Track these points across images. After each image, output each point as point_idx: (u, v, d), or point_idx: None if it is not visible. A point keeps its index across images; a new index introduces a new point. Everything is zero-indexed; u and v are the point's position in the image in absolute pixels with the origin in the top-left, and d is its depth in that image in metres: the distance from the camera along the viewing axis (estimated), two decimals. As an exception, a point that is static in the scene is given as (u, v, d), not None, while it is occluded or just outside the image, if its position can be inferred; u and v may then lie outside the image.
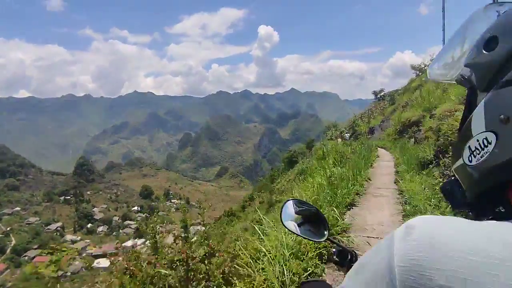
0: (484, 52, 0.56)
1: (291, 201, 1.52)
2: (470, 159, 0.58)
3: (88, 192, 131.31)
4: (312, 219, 1.45)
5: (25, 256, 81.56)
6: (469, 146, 0.57)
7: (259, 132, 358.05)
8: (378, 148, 15.77)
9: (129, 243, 77.32)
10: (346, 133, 38.10)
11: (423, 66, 24.95)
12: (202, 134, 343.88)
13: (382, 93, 34.16)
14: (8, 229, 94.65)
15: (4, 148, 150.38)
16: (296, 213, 1.48)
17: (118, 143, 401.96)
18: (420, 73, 24.70)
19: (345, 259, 1.29)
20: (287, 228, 1.43)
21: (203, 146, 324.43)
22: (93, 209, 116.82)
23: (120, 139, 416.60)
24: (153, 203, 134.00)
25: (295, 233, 1.43)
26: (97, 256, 79.82)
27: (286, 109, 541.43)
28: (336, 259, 1.32)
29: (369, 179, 8.71)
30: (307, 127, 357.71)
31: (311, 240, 1.49)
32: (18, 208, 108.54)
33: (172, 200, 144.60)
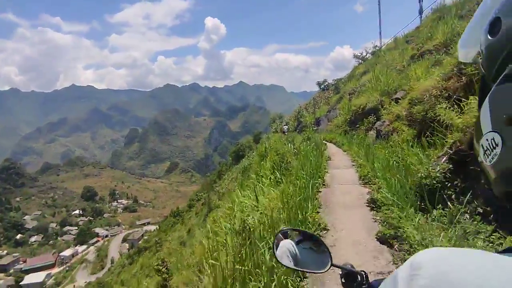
0: (489, 37, 0.49)
1: (285, 231, 1.41)
2: (485, 158, 0.51)
3: (17, 199, 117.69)
4: (310, 247, 1.33)
5: None
6: (482, 144, 0.51)
7: (209, 126, 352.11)
8: (327, 143, 13.65)
9: (68, 252, 71.00)
10: (285, 125, 36.98)
11: (364, 54, 24.99)
12: (149, 129, 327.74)
13: (325, 83, 33.75)
14: None
15: None
16: (292, 244, 1.33)
17: (55, 142, 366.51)
18: (362, 62, 24.61)
19: (354, 281, 1.20)
20: (283, 265, 1.29)
21: (151, 142, 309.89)
22: (24, 218, 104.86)
23: (58, 137, 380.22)
24: (97, 205, 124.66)
25: (293, 269, 1.28)
26: (28, 271, 71.47)
27: (235, 102, 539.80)
28: (344, 281, 1.23)
29: (324, 226, 4.57)
30: (256, 120, 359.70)
31: (313, 273, 1.33)
32: None
33: (119, 200, 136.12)
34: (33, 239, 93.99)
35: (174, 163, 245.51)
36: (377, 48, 23.65)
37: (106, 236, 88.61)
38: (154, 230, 57.54)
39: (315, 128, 21.75)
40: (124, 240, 72.38)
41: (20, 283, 67.39)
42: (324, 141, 14.07)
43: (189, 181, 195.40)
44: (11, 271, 73.93)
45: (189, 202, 38.39)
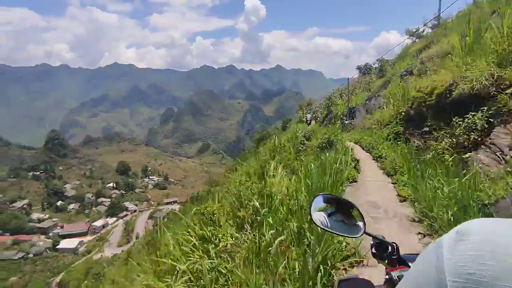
0: None
1: (321, 195, 1.47)
2: None
3: (60, 168, 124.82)
4: (344, 209, 1.37)
5: (-15, 235, 76.40)
6: None
7: (243, 109, 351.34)
8: (358, 158, 8.57)
9: (99, 222, 73.71)
10: (308, 113, 33.97)
11: (422, 30, 20.41)
12: (185, 109, 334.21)
13: (368, 66, 29.31)
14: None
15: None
16: (325, 202, 1.41)
17: (97, 117, 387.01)
18: (417, 39, 20.36)
19: (384, 251, 1.21)
20: (315, 223, 1.35)
21: (186, 122, 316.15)
22: (65, 186, 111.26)
23: (100, 112, 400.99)
24: (130, 179, 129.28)
25: (325, 229, 1.34)
26: (64, 236, 75.72)
27: (271, 86, 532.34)
28: (375, 252, 1.25)
29: None
30: (291, 105, 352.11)
31: (344, 236, 1.38)
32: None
33: (151, 177, 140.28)
34: (71, 206, 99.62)
35: (206, 144, 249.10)
36: (441, 20, 18.84)
37: (135, 211, 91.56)
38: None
39: (346, 122, 17.89)
40: (150, 217, 73.86)
41: (57, 247, 71.70)
42: (355, 144, 11.11)
43: (220, 163, 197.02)
44: (50, 234, 78.81)
45: (209, 187, 36.77)
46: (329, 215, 1.33)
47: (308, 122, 30.31)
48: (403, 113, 9.00)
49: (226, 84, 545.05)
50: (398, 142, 8.54)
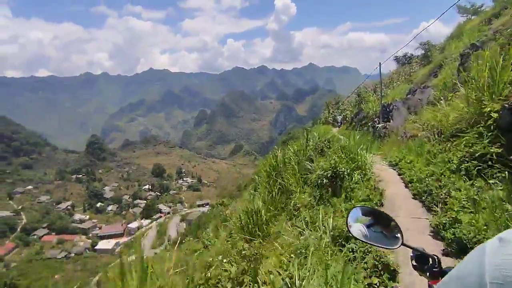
0: None
1: (359, 207, 1.49)
2: None
3: (100, 171, 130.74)
4: (382, 220, 1.37)
5: (34, 235, 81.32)
6: None
7: (275, 109, 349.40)
8: (407, 220, 4.65)
9: (135, 224, 75.19)
10: (339, 115, 29.64)
11: (479, 5, 16.60)
12: (217, 111, 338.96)
13: (407, 56, 25.25)
14: (20, 207, 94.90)
15: (19, 127, 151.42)
16: (364, 214, 1.42)
17: (135, 121, 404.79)
18: (472, 16, 16.75)
19: (425, 263, 1.21)
20: (353, 235, 1.37)
21: (219, 123, 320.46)
22: (104, 188, 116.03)
23: (137, 116, 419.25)
24: (164, 181, 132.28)
25: (363, 240, 1.35)
26: (102, 237, 78.30)
27: (303, 85, 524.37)
28: (415, 263, 1.24)
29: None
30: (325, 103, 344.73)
31: (382, 247, 1.39)
32: (30, 187, 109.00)
33: (184, 178, 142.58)
34: (109, 208, 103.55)
35: (238, 145, 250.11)
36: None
37: (168, 213, 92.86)
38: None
39: (378, 126, 13.46)
40: (183, 219, 74.18)
41: (95, 247, 74.33)
42: (391, 168, 7.43)
43: (252, 164, 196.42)
44: (90, 235, 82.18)
45: (238, 188, 35.37)
46: (368, 226, 1.34)
47: (339, 124, 26.77)
48: (492, 115, 4.60)
49: (257, 84, 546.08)
50: (492, 182, 3.99)
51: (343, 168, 6.04)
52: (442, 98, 9.08)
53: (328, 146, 8.63)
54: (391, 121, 13.38)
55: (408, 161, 6.99)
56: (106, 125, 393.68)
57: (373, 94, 22.59)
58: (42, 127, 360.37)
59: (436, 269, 1.15)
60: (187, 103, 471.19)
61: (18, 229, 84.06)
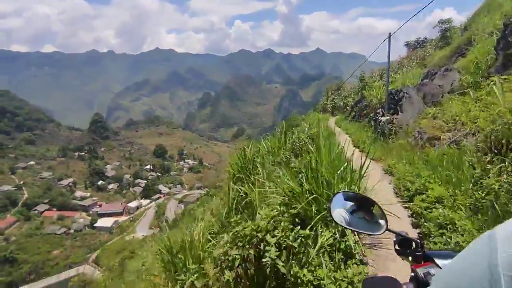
0: None
1: (341, 192, 1.46)
2: None
3: (102, 149, 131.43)
4: (364, 206, 1.35)
5: (35, 210, 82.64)
6: None
7: (279, 94, 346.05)
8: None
9: (134, 204, 76.02)
10: (340, 102, 26.82)
11: None
12: (221, 93, 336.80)
13: (420, 40, 23.29)
14: (22, 182, 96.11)
15: (22, 102, 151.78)
16: (346, 199, 1.39)
17: (140, 100, 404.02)
18: None
19: (408, 248, 1.21)
20: (336, 221, 1.34)
21: (222, 106, 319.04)
22: (106, 166, 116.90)
23: (142, 96, 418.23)
24: (166, 162, 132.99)
25: (346, 227, 1.33)
26: (102, 215, 79.46)
27: (310, 70, 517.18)
28: (398, 248, 1.24)
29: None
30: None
31: (366, 233, 1.37)
32: (32, 162, 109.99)
33: (186, 160, 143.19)
34: (110, 186, 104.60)
35: (241, 129, 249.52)
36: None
37: (167, 194, 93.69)
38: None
39: (381, 120, 10.80)
40: (181, 201, 74.84)
41: (94, 225, 75.62)
42: (394, 195, 5.22)
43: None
44: (90, 212, 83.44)
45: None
46: (351, 212, 1.32)
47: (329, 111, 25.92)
48: None
49: (263, 68, 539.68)
50: None
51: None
52: (472, 84, 6.93)
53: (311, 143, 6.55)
54: (400, 113, 10.40)
55: (434, 198, 4.01)
56: (111, 103, 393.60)
57: (378, 80, 19.65)
58: (48, 103, 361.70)
59: (419, 253, 1.16)
60: (192, 84, 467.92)
61: (20, 204, 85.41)
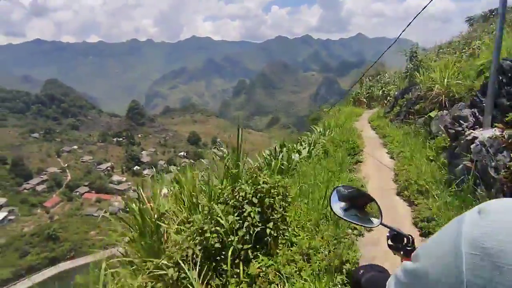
0: None
1: (340, 187, 1.49)
2: None
3: (139, 135, 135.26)
4: (360, 204, 1.41)
5: (76, 191, 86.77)
6: None
7: (317, 81, 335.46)
8: None
9: (164, 190, 77.96)
10: (378, 91, 21.29)
11: None
12: (256, 81, 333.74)
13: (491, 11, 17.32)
14: (66, 165, 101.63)
15: (68, 89, 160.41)
16: (340, 199, 1.44)
17: (176, 88, 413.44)
18: None
19: (400, 243, 1.25)
20: (335, 213, 1.41)
21: (258, 94, 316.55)
22: (142, 152, 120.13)
23: (179, 84, 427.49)
24: (199, 149, 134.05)
25: (344, 219, 1.40)
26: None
27: (349, 57, 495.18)
28: (391, 243, 1.28)
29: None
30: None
31: (361, 225, 1.43)
32: (75, 147, 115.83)
33: (219, 148, 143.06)
34: (145, 171, 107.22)
35: (276, 117, 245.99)
36: None
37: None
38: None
39: (469, 132, 4.95)
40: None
41: (127, 209, 77.53)
42: None
43: (288, 138, 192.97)
44: (125, 196, 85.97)
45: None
46: (349, 205, 1.39)
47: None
48: None
49: (300, 55, 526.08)
50: None
51: None
52: None
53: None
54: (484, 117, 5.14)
55: None
56: (150, 91, 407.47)
57: (434, 60, 13.24)
58: (93, 91, 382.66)
59: (409, 248, 1.20)
60: (227, 72, 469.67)
61: (64, 185, 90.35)
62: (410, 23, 7.33)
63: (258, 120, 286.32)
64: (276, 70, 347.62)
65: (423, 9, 6.53)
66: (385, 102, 18.15)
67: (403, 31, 7.80)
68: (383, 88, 20.69)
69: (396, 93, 15.24)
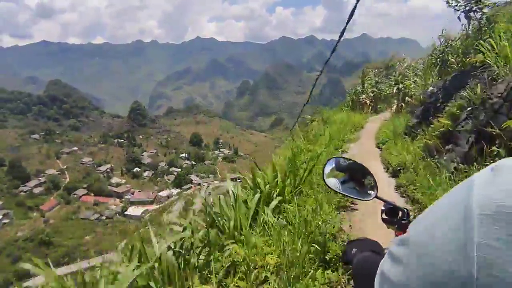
0: None
1: (334, 159, 1.44)
2: None
3: (140, 136, 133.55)
4: (357, 176, 1.37)
5: (74, 194, 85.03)
6: None
7: (321, 82, 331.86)
8: None
9: (165, 193, 74.29)
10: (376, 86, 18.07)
11: None
12: (260, 82, 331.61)
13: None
14: (65, 167, 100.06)
15: (71, 90, 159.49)
16: (338, 169, 1.39)
17: (181, 89, 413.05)
18: None
19: (395, 216, 1.22)
20: (328, 186, 1.36)
21: (261, 95, 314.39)
22: (142, 154, 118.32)
23: (183, 84, 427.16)
24: (201, 151, 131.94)
25: (337, 191, 1.36)
26: (133, 203, 79.39)
27: (354, 57, 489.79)
28: (385, 217, 1.25)
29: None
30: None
31: (356, 198, 1.41)
32: (75, 148, 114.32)
33: (221, 149, 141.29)
34: (146, 173, 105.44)
35: (279, 118, 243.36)
36: None
37: (199, 184, 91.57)
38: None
39: None
40: (210, 193, 72.05)
41: (125, 212, 75.74)
42: None
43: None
44: (123, 199, 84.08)
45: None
46: (343, 178, 1.34)
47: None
48: None
49: (304, 55, 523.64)
50: None
51: None
52: None
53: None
54: None
55: None
56: (154, 92, 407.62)
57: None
58: (97, 92, 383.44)
59: (404, 221, 1.18)
60: (231, 73, 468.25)
61: (62, 188, 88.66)
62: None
63: (262, 120, 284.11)
64: (280, 71, 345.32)
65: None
66: (401, 104, 12.82)
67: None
68: (399, 84, 14.23)
69: (431, 88, 8.18)
